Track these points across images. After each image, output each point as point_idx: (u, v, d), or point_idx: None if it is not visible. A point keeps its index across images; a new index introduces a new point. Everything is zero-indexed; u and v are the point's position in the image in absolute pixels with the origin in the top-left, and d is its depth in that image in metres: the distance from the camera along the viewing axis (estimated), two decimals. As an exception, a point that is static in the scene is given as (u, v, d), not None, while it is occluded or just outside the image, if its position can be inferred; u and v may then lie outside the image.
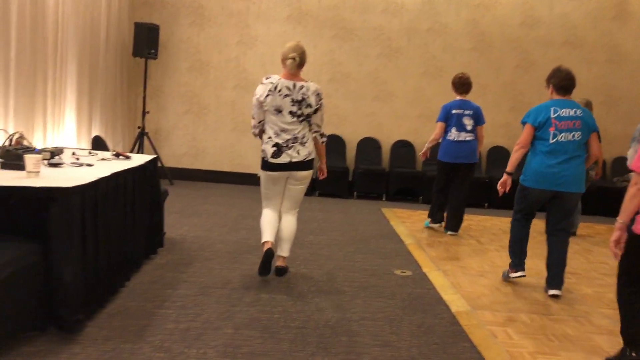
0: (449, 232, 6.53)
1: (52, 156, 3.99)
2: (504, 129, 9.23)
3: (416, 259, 5.39)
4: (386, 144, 9.14)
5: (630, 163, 5.30)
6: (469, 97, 6.53)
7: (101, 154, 4.69)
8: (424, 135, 9.13)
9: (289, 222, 4.48)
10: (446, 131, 6.31)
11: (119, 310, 3.58)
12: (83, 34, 6.92)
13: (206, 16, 8.87)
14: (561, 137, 4.33)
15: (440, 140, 6.49)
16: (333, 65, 9.01)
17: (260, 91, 4.25)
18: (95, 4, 7.26)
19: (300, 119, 4.27)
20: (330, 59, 8.99)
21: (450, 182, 6.49)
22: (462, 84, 6.34)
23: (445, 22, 9.00)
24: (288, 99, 4.22)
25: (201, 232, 5.77)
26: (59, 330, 3.11)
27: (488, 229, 7.16)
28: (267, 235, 4.36)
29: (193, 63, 8.95)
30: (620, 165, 9.21)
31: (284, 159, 4.27)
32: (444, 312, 4.04)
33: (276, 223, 4.46)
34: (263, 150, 4.35)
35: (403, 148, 9.06)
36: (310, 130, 4.38)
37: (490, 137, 9.06)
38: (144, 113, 8.48)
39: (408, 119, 9.15)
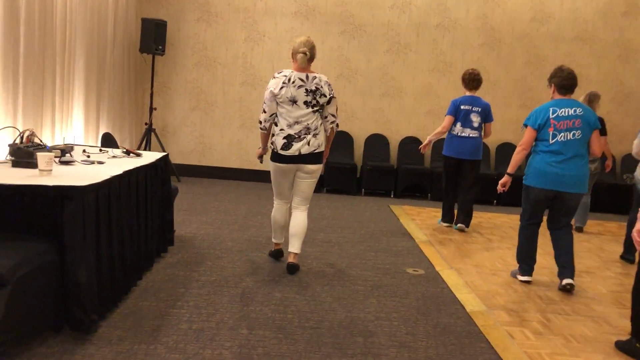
0: (459, 225, 6.50)
1: (63, 154, 3.95)
2: (514, 126, 9.16)
3: (428, 257, 5.34)
4: (394, 141, 9.08)
5: (633, 151, 5.30)
6: (479, 93, 6.48)
7: (112, 151, 4.64)
8: (433, 131, 9.08)
9: (300, 219, 4.49)
10: (452, 126, 6.27)
11: (132, 310, 3.54)
12: (91, 30, 6.88)
13: (213, 12, 8.81)
14: (561, 137, 4.37)
15: (445, 135, 6.47)
16: (341, 62, 8.94)
17: (274, 84, 4.30)
18: (102, 0, 7.21)
19: (315, 108, 4.32)
20: (338, 55, 8.93)
21: (457, 178, 6.47)
22: (472, 80, 6.29)
23: (454, 18, 8.93)
24: (302, 90, 4.27)
25: (211, 230, 5.73)
26: (73, 331, 3.08)
27: (498, 226, 7.11)
28: (278, 237, 4.70)
29: (200, 59, 8.89)
30: (630, 161, 9.13)
31: (293, 151, 4.32)
32: (459, 311, 4.00)
33: (286, 220, 4.64)
34: (273, 142, 4.40)
35: (411, 144, 8.99)
36: (325, 120, 4.42)
37: (499, 134, 9.01)
38: (151, 109, 8.44)
39: (416, 115, 9.09)
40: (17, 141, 3.75)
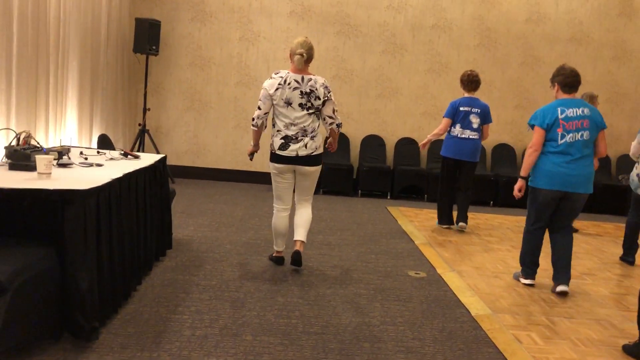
0: (460, 224, 6.49)
1: (60, 156, 3.86)
2: (509, 127, 9.16)
3: (429, 260, 5.29)
4: (390, 142, 9.04)
5: (631, 152, 5.31)
6: (477, 94, 6.46)
7: (109, 153, 4.56)
8: (429, 132, 9.03)
9: (305, 213, 4.60)
10: (450, 127, 6.24)
11: (132, 316, 3.46)
12: (84, 31, 6.77)
13: (207, 12, 8.72)
14: (569, 138, 4.31)
15: (443, 136, 6.45)
16: (337, 62, 8.89)
17: (270, 85, 4.31)
18: (95, 0, 7.10)
19: (310, 111, 4.32)
20: (334, 56, 8.87)
21: (454, 180, 6.45)
22: (470, 82, 6.26)
23: (450, 18, 8.90)
24: (297, 92, 4.27)
25: (208, 233, 5.65)
26: (74, 338, 2.99)
27: (496, 227, 7.09)
28: (280, 245, 4.69)
29: (194, 59, 8.80)
30: (625, 162, 9.16)
31: (290, 152, 4.33)
32: (464, 315, 3.95)
33: (287, 228, 4.64)
34: (272, 143, 4.42)
35: (408, 145, 8.96)
36: (324, 122, 4.43)
37: (495, 135, 8.99)
38: (145, 110, 8.33)
39: (412, 116, 9.05)
40: (14, 143, 3.66)
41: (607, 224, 7.90)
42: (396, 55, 8.93)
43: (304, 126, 4.31)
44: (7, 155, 3.50)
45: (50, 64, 5.92)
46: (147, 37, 7.99)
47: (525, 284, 4.70)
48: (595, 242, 6.71)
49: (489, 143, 9.06)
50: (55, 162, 3.67)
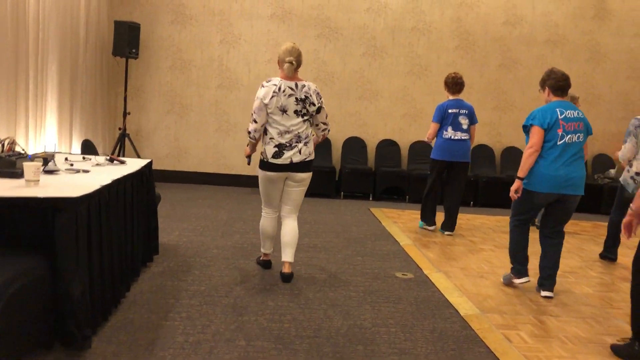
0: (447, 233, 6.52)
1: (45, 162, 3.80)
2: (488, 128, 9.28)
3: (415, 261, 5.33)
4: (372, 143, 9.09)
5: (622, 155, 5.37)
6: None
7: (95, 159, 4.50)
8: (409, 134, 9.14)
9: (291, 227, 4.43)
10: (441, 130, 6.28)
11: (123, 323, 3.42)
12: (63, 34, 6.67)
13: (188, 15, 8.67)
14: (568, 139, 4.26)
15: (432, 142, 6.49)
16: (318, 65, 8.90)
17: (264, 93, 4.20)
18: (73, 1, 7.00)
19: (305, 117, 4.26)
20: (315, 58, 8.88)
21: (443, 183, 6.50)
22: (455, 84, 6.32)
23: (429, 21, 8.99)
24: (292, 98, 4.20)
25: (194, 237, 5.61)
26: (65, 347, 2.95)
27: (478, 227, 7.17)
28: (268, 247, 4.64)
29: (175, 62, 8.74)
30: (601, 162, 9.36)
31: (284, 159, 4.25)
32: (454, 315, 3.99)
33: (275, 230, 4.59)
34: (264, 151, 4.31)
35: (388, 147, 9.02)
36: (317, 128, 4.40)
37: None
38: (125, 114, 8.24)
39: (393, 118, 9.11)
40: (-2, 150, 3.59)
41: (585, 222, 8.05)
42: (376, 57, 8.98)
43: (298, 133, 4.24)
44: (-8, 162, 3.43)
45: (29, 69, 5.83)
46: (127, 40, 7.91)
47: (520, 284, 4.65)
48: (575, 240, 6.83)
49: (468, 144, 9.15)
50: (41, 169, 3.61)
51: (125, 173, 3.83)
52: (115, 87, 8.53)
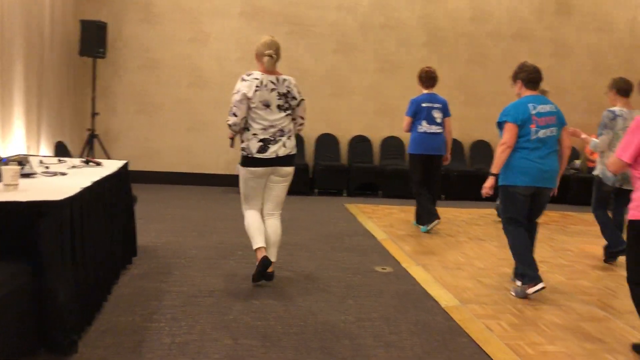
0: (430, 226, 6.40)
1: (21, 165, 3.72)
2: (458, 123, 9.35)
3: (393, 255, 5.40)
4: (344, 140, 9.14)
5: (595, 145, 5.39)
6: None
7: (70, 161, 4.42)
8: (382, 130, 9.22)
9: (275, 226, 4.39)
10: (416, 124, 6.35)
11: (108, 327, 3.39)
12: (28, 33, 6.52)
13: (156, 13, 8.57)
14: (541, 133, 4.32)
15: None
16: (289, 62, 8.86)
17: (246, 88, 4.10)
18: (37, 0, 6.84)
19: (287, 112, 4.23)
20: (286, 56, 8.72)
21: (425, 177, 6.53)
22: (428, 78, 6.41)
23: (398, 18, 9.08)
24: (274, 93, 4.16)
25: (171, 238, 5.57)
26: (52, 353, 2.90)
27: (451, 220, 7.29)
28: (260, 241, 4.24)
29: (144, 61, 8.63)
30: (567, 153, 9.59)
31: (270, 154, 4.18)
32: (435, 307, 4.07)
33: (262, 225, 4.35)
34: (246, 147, 4.19)
35: (361, 143, 9.09)
36: (294, 122, 4.34)
37: (445, 130, 9.22)
38: (94, 115, 8.10)
39: (365, 114, 9.18)
40: (-29, 154, 3.50)
41: (553, 212, 8.26)
42: (347, 54, 9.03)
43: (282, 127, 4.19)
44: (-34, 167, 3.35)
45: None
46: (94, 39, 7.79)
47: (535, 292, 4.26)
48: (545, 230, 7.00)
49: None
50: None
51: (104, 175, 3.78)
52: (83, 87, 8.38)
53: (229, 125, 4.21)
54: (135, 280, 4.25)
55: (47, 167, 3.98)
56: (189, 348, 3.18)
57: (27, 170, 3.64)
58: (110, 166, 4.26)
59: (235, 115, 4.15)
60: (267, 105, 4.14)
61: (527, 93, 4.48)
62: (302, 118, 4.37)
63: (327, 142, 9.04)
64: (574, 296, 4.48)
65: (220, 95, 8.73)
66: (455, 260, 5.34)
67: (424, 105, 6.32)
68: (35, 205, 2.72)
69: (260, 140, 4.16)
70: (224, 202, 7.57)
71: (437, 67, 9.11)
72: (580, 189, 8.85)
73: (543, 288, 4.26)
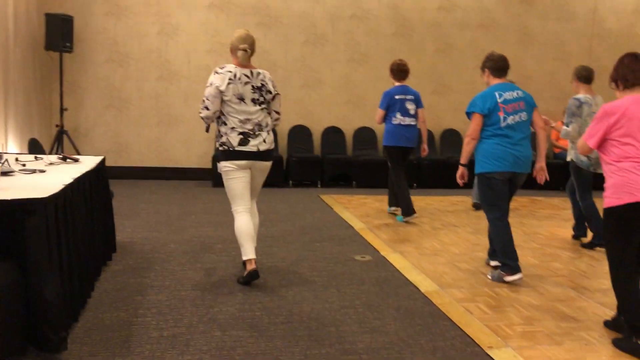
0: (407, 219, 6.46)
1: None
2: (428, 112, 9.33)
3: (371, 243, 5.50)
4: (317, 131, 9.19)
5: (565, 134, 5.52)
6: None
7: (47, 158, 4.36)
8: (354, 121, 9.29)
9: (253, 215, 4.39)
10: (390, 116, 6.43)
11: (94, 323, 3.38)
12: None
13: (122, 5, 8.43)
14: (510, 120, 4.43)
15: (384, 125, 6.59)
16: (259, 54, 8.77)
17: (219, 81, 4.08)
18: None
19: (262, 106, 4.22)
20: (256, 47, 8.83)
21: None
22: (400, 71, 6.50)
23: (367, 8, 9.14)
24: (248, 86, 4.14)
25: (148, 233, 5.54)
26: (41, 351, 2.89)
27: (424, 208, 7.42)
28: (250, 252, 4.13)
29: (111, 55, 8.50)
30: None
31: (251, 147, 4.14)
32: (415, 293, 4.17)
33: (253, 230, 4.24)
34: (226, 141, 4.14)
35: (334, 134, 9.15)
36: (270, 117, 4.32)
37: (415, 120, 9.36)
38: (62, 110, 7.95)
39: (337, 105, 9.24)
40: (-54, 153, 3.43)
41: (522, 198, 8.48)
42: (317, 45, 9.06)
43: (259, 121, 4.18)
44: (-58, 166, 3.29)
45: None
46: (60, 33, 7.64)
47: (513, 280, 4.40)
48: (515, 215, 7.17)
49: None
50: (-5, 170, 3.48)
51: (84, 171, 3.75)
52: (49, 82, 8.22)
53: (202, 118, 4.19)
54: (117, 276, 4.24)
55: (23, 165, 3.92)
56: (177, 341, 3.20)
57: (5, 168, 3.58)
58: (88, 162, 4.22)
59: (207, 108, 4.13)
60: (241, 99, 4.12)
61: (495, 81, 4.61)
62: (278, 113, 4.37)
63: (300, 133, 9.08)
64: (547, 278, 4.64)
65: (189, 88, 8.68)
66: (431, 247, 5.46)
67: (397, 97, 6.40)
68: (21, 204, 2.70)
69: (241, 134, 4.14)
70: (197, 196, 7.55)
71: (405, 57, 9.21)
72: (548, 175, 9.07)
73: (520, 279, 4.41)
